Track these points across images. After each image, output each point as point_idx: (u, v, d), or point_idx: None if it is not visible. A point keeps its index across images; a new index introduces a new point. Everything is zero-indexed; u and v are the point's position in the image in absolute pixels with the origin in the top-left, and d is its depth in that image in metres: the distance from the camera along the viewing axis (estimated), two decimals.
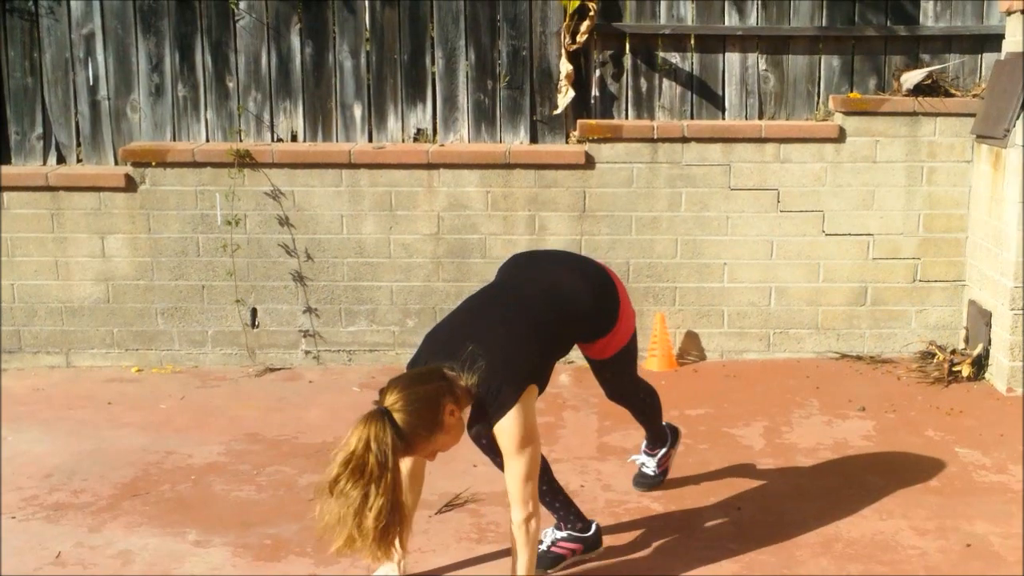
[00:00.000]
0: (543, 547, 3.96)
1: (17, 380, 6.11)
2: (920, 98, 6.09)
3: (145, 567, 4.01)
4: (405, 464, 3.66)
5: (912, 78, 6.12)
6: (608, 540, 4.14)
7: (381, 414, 3.34)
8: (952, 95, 6.14)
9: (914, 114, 6.09)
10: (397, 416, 3.34)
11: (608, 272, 4.01)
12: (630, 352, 4.10)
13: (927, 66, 6.21)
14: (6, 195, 6.15)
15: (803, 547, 4.08)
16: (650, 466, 4.58)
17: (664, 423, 4.53)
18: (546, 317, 3.73)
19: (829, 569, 3.93)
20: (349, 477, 3.29)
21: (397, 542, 3.39)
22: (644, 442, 4.57)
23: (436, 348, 3.65)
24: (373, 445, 3.28)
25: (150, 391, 5.92)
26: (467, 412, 3.56)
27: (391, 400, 3.38)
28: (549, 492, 3.97)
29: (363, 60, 6.24)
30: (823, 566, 3.95)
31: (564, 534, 4.00)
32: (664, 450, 4.55)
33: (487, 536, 4.20)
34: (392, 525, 3.33)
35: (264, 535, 4.24)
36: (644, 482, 4.62)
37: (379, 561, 3.65)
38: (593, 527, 4.04)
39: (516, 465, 3.54)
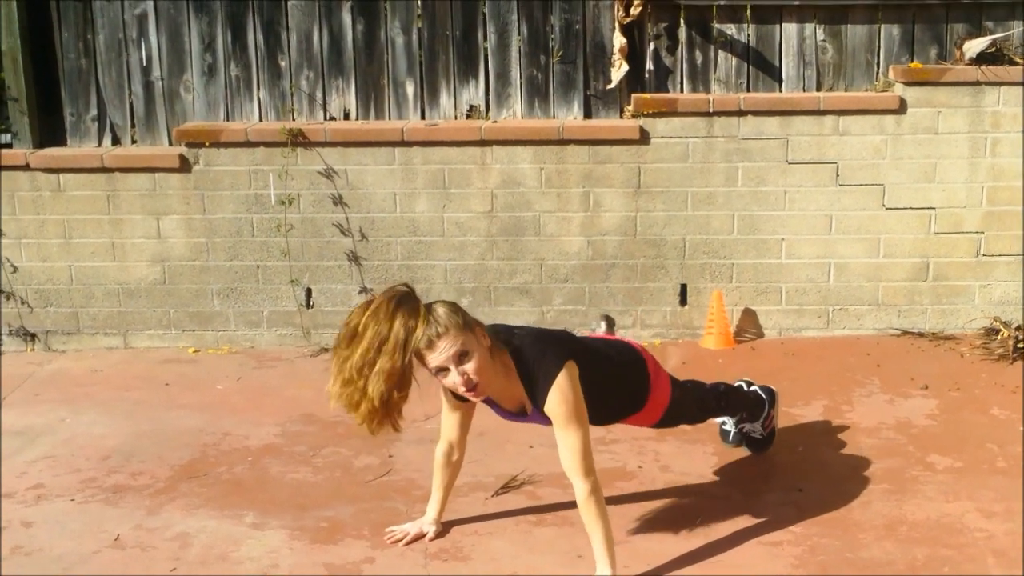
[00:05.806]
0: (758, 435, 4.56)
1: (75, 361, 6.15)
2: (983, 67, 5.93)
3: (203, 549, 4.03)
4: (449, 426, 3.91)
5: (975, 47, 5.96)
6: (666, 523, 4.11)
7: (417, 299, 3.46)
8: (1016, 64, 5.97)
9: (977, 84, 5.94)
10: (434, 306, 3.47)
11: (637, 349, 4.07)
12: (678, 401, 4.12)
13: (990, 34, 6.04)
14: (62, 177, 6.18)
15: (866, 530, 4.02)
16: (757, 430, 4.59)
17: (752, 389, 4.58)
18: (587, 351, 3.80)
19: (894, 553, 3.86)
20: (374, 337, 3.33)
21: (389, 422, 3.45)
22: (737, 416, 4.56)
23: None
24: (405, 318, 3.36)
25: (206, 372, 5.94)
26: (498, 365, 3.60)
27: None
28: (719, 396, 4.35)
29: (415, 37, 6.19)
30: (887, 550, 3.88)
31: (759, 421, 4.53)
32: (765, 412, 4.56)
33: (545, 519, 4.17)
34: (395, 399, 3.38)
35: (320, 518, 4.24)
36: (755, 446, 4.65)
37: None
38: (755, 388, 4.57)
39: (572, 438, 3.57)
